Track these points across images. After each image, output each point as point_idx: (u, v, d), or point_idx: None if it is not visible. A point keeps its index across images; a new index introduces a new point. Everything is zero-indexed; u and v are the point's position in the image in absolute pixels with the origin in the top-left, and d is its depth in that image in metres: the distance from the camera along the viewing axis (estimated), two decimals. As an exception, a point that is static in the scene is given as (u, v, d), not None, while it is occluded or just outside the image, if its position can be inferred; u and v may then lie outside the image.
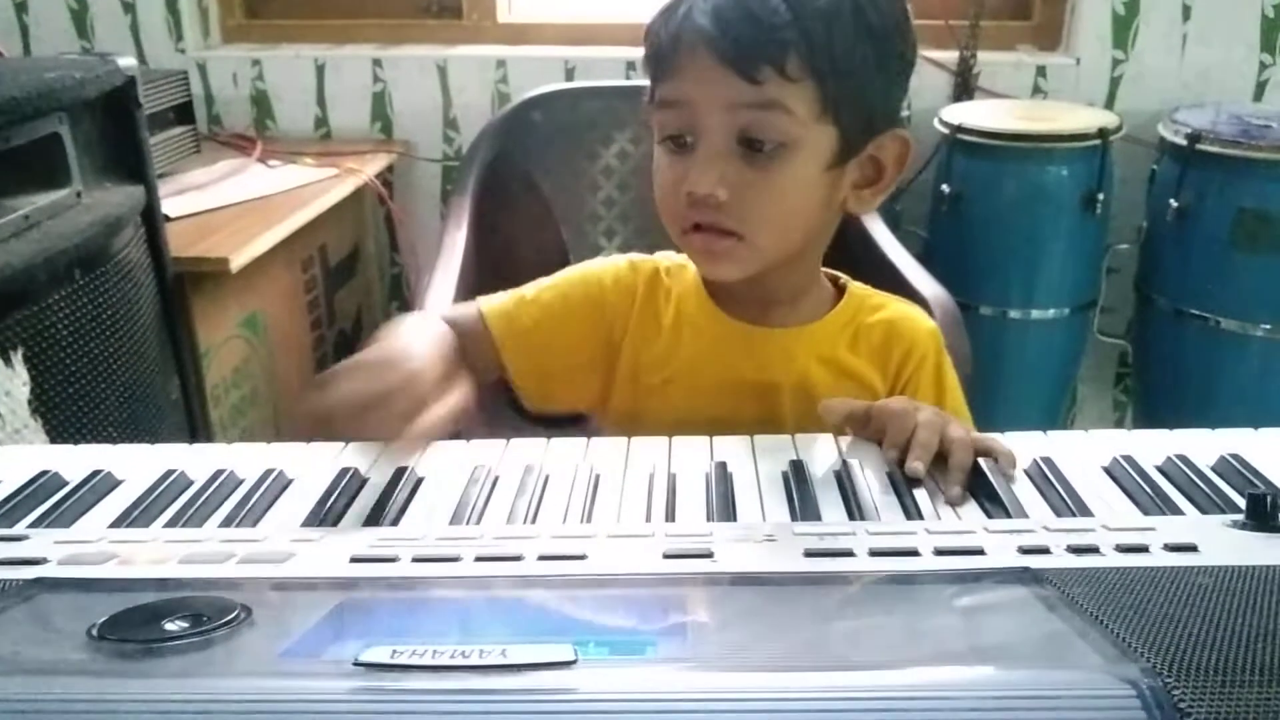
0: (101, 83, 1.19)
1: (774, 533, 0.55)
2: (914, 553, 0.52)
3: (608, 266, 0.89)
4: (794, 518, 0.62)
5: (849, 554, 0.51)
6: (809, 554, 0.51)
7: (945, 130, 1.79)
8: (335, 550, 0.54)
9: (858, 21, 0.75)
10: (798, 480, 0.66)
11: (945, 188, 1.77)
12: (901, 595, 0.48)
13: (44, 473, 0.69)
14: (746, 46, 0.73)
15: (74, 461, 0.72)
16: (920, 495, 0.64)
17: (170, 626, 0.42)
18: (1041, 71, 1.99)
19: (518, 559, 0.51)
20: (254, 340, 1.69)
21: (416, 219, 2.22)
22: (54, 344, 1.11)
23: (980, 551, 0.51)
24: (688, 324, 0.86)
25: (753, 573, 0.49)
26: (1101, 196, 1.71)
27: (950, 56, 1.99)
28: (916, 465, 0.66)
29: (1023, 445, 0.73)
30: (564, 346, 0.87)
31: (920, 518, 0.61)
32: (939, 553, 0.52)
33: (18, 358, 1.06)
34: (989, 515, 0.61)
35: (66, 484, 0.68)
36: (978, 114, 1.80)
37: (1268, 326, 1.69)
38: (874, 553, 0.51)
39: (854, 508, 0.62)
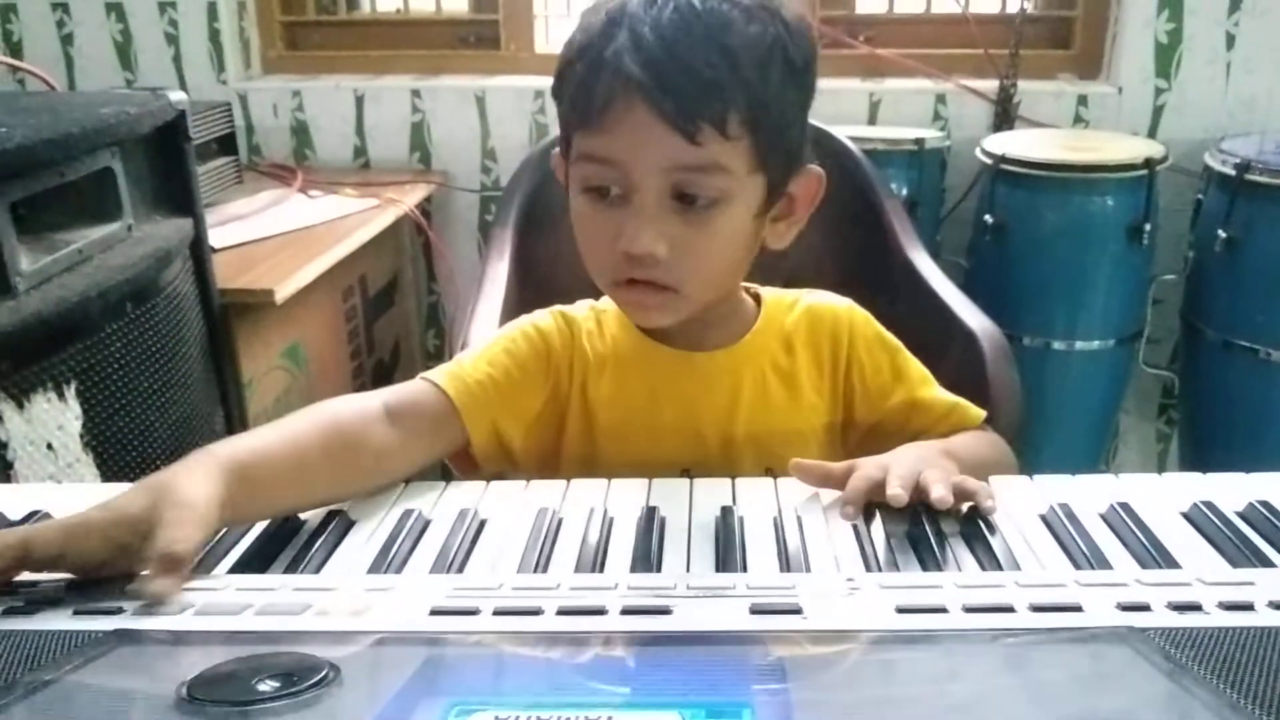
0: (155, 118, 1.20)
1: (858, 584, 0.53)
2: (1009, 609, 0.50)
3: (541, 320, 0.87)
4: (868, 568, 0.61)
5: (942, 610, 0.50)
6: (901, 610, 0.50)
7: (988, 160, 1.77)
8: (412, 601, 0.53)
9: (785, 66, 0.74)
10: (869, 525, 0.65)
11: (988, 218, 1.75)
12: (1006, 655, 0.47)
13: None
14: (687, 105, 0.70)
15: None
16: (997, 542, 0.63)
17: (262, 687, 0.41)
18: (1083, 100, 1.97)
19: (601, 613, 0.50)
20: (295, 371, 1.69)
21: (454, 249, 2.23)
22: (106, 377, 1.11)
23: (1077, 608, 0.50)
24: (630, 360, 0.85)
25: (847, 630, 0.48)
26: (1148, 227, 1.68)
27: (990, 86, 1.98)
28: (897, 492, 0.66)
29: (1095, 489, 0.71)
30: (518, 403, 0.84)
31: (1004, 568, 0.60)
32: (1035, 609, 0.50)
33: (70, 392, 1.06)
34: (1076, 566, 0.60)
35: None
36: (1021, 144, 1.79)
37: (1318, 359, 1.66)
38: (968, 609, 0.50)
39: (931, 558, 0.61)
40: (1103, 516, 0.68)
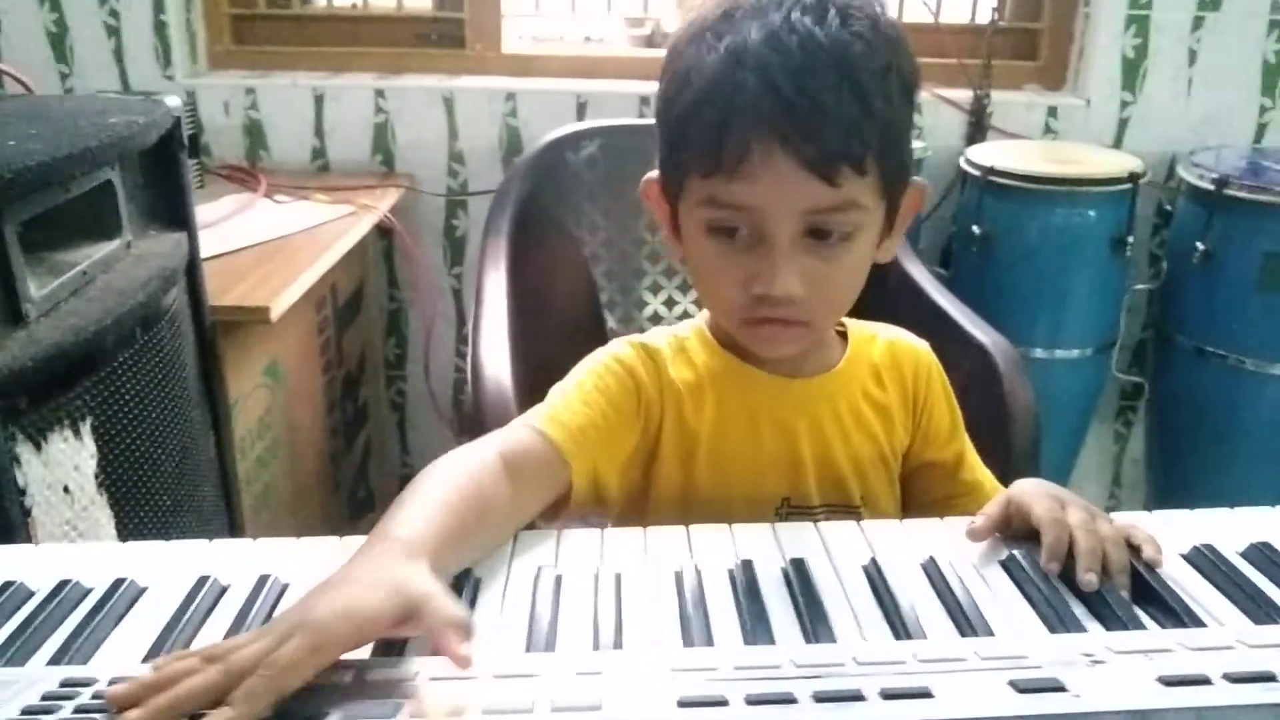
0: (159, 127, 1.11)
1: (1096, 655, 0.51)
2: (1204, 681, 0.49)
3: (622, 354, 0.83)
4: (1051, 628, 0.59)
5: (1206, 681, 0.48)
6: (1166, 682, 0.48)
7: (976, 172, 1.79)
8: (639, 685, 0.49)
9: (901, 89, 0.73)
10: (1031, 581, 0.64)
11: (975, 229, 1.77)
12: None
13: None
14: (827, 151, 0.69)
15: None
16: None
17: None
18: (1053, 112, 2.01)
19: (858, 698, 0.47)
20: (275, 388, 1.60)
21: (417, 254, 2.15)
22: (119, 411, 1.02)
23: (1272, 678, 0.49)
24: (728, 385, 0.83)
25: (1134, 710, 0.46)
26: (1130, 239, 1.73)
27: (964, 95, 2.01)
28: (1090, 578, 0.63)
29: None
30: (615, 444, 0.80)
31: (1189, 625, 0.59)
32: (1231, 679, 0.49)
33: (86, 429, 0.97)
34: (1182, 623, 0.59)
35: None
36: (1003, 155, 1.82)
37: (1287, 366, 1.73)
38: (1231, 679, 0.48)
39: (1111, 616, 0.60)
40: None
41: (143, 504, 1.07)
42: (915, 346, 0.91)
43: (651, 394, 0.82)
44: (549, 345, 1.56)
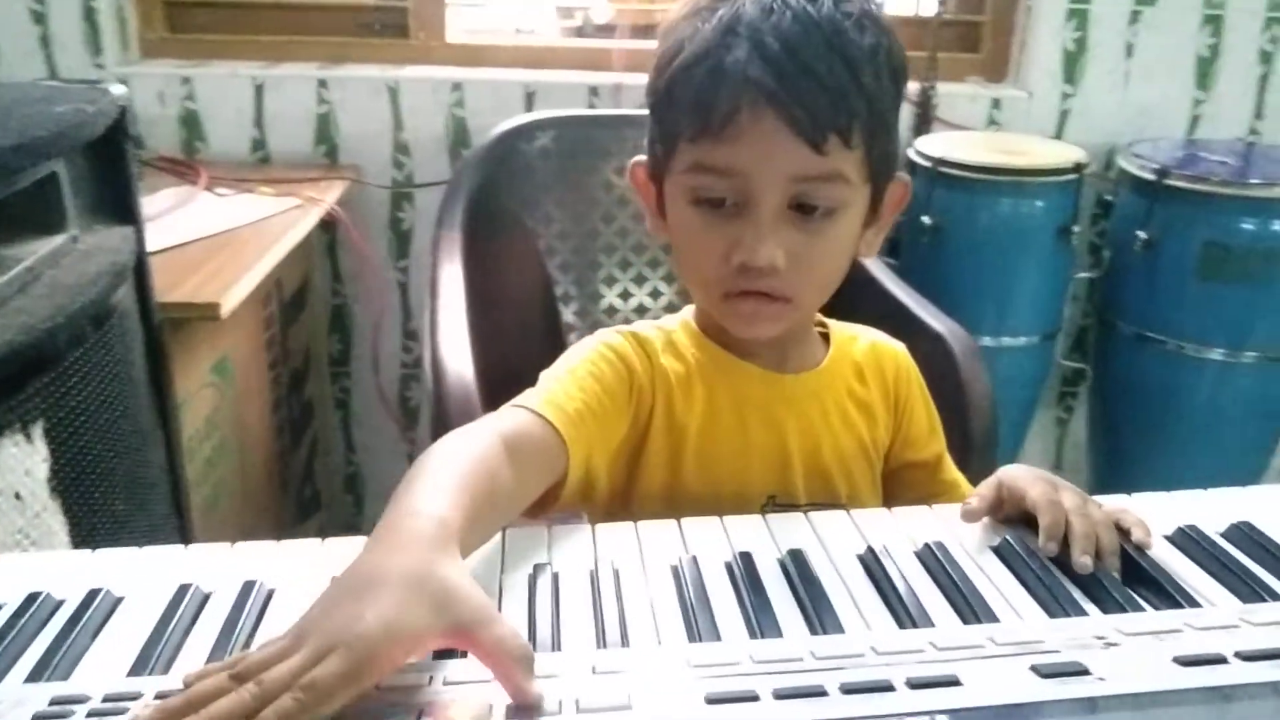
0: (106, 116, 1.06)
1: (1110, 637, 0.52)
2: (1220, 660, 0.49)
3: (613, 341, 0.82)
4: (1050, 613, 0.60)
5: (1221, 660, 0.49)
6: (1182, 662, 0.49)
7: (926, 163, 1.81)
8: (660, 685, 0.48)
9: (891, 73, 0.74)
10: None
11: (926, 219, 1.79)
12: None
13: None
14: (816, 115, 0.69)
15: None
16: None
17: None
18: (996, 104, 2.05)
19: (888, 689, 0.47)
20: (223, 386, 1.55)
21: (366, 248, 2.10)
22: (70, 413, 0.98)
23: None
24: (716, 378, 0.83)
25: (1158, 692, 0.46)
26: (1076, 228, 1.77)
27: (909, 88, 2.02)
28: (1086, 561, 0.64)
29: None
30: (608, 433, 0.79)
31: (1183, 606, 0.60)
32: (1244, 658, 0.49)
33: (38, 431, 0.93)
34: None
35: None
36: (951, 147, 1.84)
37: (1223, 350, 1.78)
38: (1243, 656, 0.49)
39: (1108, 598, 0.61)
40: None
41: (96, 510, 1.03)
42: (895, 349, 0.92)
43: (643, 382, 0.81)
44: (504, 340, 1.54)
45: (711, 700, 0.46)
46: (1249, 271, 1.71)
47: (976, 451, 1.33)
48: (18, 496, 0.90)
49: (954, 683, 0.47)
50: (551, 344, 1.73)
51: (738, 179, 0.71)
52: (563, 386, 0.76)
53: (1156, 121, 2.04)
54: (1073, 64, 2.02)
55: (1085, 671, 0.48)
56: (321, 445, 2.16)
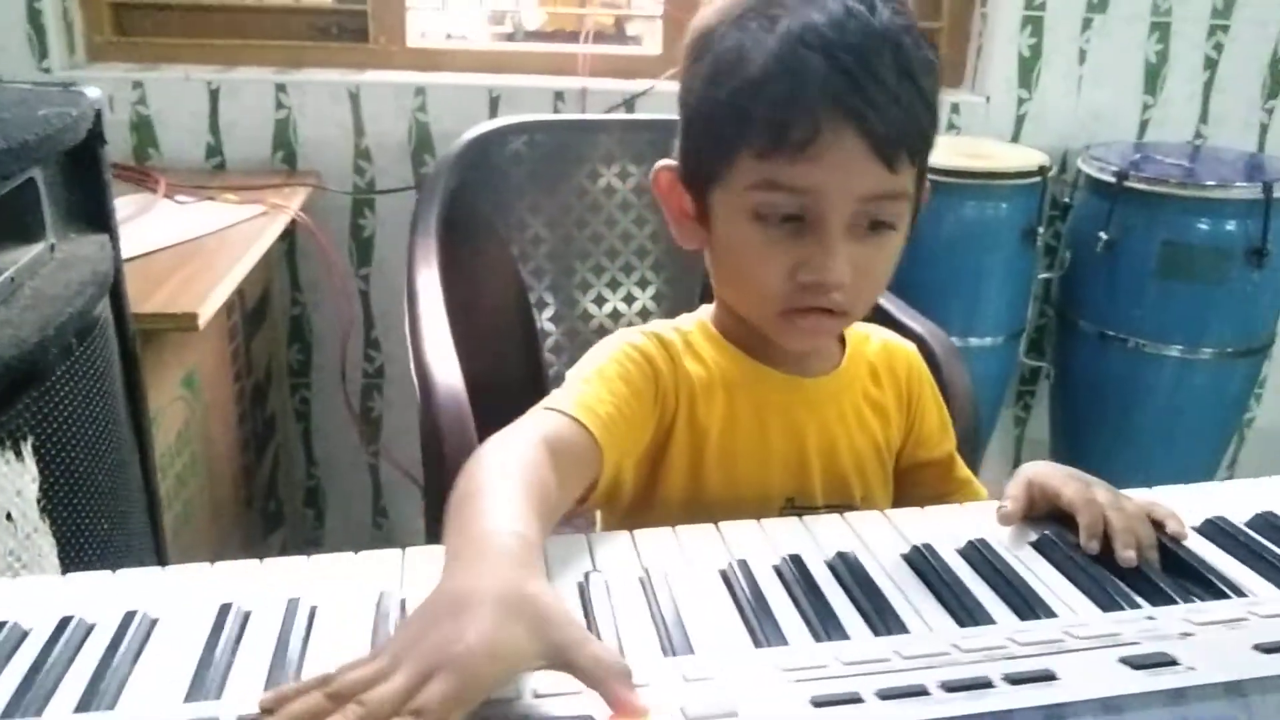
0: (86, 121, 1.02)
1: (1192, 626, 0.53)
2: None
3: (638, 342, 0.81)
4: (1103, 607, 0.61)
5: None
6: (1265, 650, 0.49)
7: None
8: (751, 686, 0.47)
9: (933, 85, 0.74)
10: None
11: (894, 222, 1.81)
12: None
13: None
14: (892, 134, 0.69)
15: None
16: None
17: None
18: (955, 108, 2.08)
19: (987, 685, 0.47)
20: (192, 400, 1.50)
21: (324, 256, 2.06)
22: (58, 429, 0.94)
23: None
24: (738, 383, 0.83)
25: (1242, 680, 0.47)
26: (1040, 230, 1.80)
27: (871, 92, 2.05)
28: (1130, 555, 0.66)
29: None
30: (636, 437, 0.78)
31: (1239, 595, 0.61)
32: None
33: (27, 449, 0.89)
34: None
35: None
36: (917, 150, 1.86)
37: (1180, 347, 1.84)
38: (1264, 649, 0.50)
39: (1155, 591, 0.62)
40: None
41: (83, 530, 0.98)
42: (906, 348, 0.93)
43: (668, 386, 0.80)
44: (481, 347, 1.52)
45: (818, 703, 0.45)
46: (1204, 270, 1.77)
47: (961, 449, 1.35)
48: (9, 518, 0.86)
49: (1050, 677, 0.47)
50: (527, 351, 1.71)
51: (809, 197, 0.70)
52: (594, 389, 0.75)
53: (1108, 126, 2.10)
54: (1028, 70, 2.07)
55: (1174, 662, 0.48)
56: (284, 459, 2.11)
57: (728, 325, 0.84)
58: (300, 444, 2.22)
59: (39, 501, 0.90)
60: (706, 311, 0.87)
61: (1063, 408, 2.07)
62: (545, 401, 0.74)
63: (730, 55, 0.71)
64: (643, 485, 0.82)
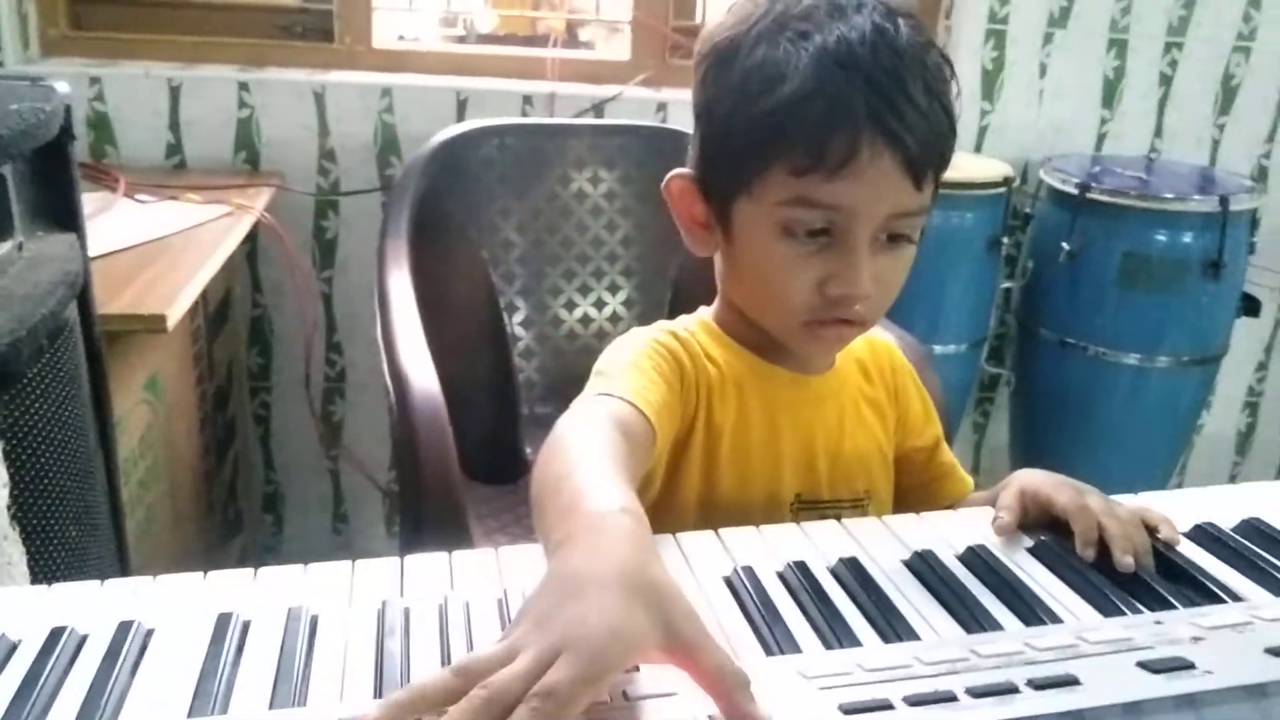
0: (58, 117, 1.00)
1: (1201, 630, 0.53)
2: None
3: (661, 337, 0.81)
4: (1104, 612, 0.61)
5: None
6: (1273, 652, 0.50)
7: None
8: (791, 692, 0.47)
9: (954, 98, 0.75)
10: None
11: (862, 230, 1.83)
12: None
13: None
14: (926, 153, 0.71)
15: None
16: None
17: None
18: (919, 119, 2.11)
19: (1013, 691, 0.47)
20: (155, 404, 1.47)
21: (297, 258, 2.02)
22: (29, 432, 0.91)
23: None
24: (749, 382, 0.83)
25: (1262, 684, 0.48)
26: (1005, 240, 1.83)
27: (837, 102, 2.07)
28: (1128, 560, 0.67)
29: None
30: (673, 428, 0.78)
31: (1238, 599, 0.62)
32: None
33: (-2, 454, 0.86)
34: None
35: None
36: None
37: (1138, 355, 1.88)
38: (1276, 652, 0.51)
39: (1152, 595, 0.63)
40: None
41: (52, 538, 0.96)
42: (886, 341, 0.95)
43: (692, 382, 0.80)
44: (450, 351, 1.50)
45: (847, 710, 0.45)
46: (1163, 281, 1.81)
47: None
48: (-21, 525, 0.83)
49: (1074, 682, 0.48)
50: (497, 354, 1.69)
51: (840, 213, 0.71)
52: (642, 378, 0.75)
53: (1066, 138, 2.14)
54: (991, 82, 2.10)
55: (1191, 666, 0.49)
56: (244, 464, 2.06)
57: (733, 325, 0.84)
58: (259, 448, 2.18)
59: (9, 508, 0.88)
60: (706, 312, 0.87)
61: (1022, 415, 2.10)
62: (596, 387, 0.73)
63: (763, 70, 0.71)
64: (663, 481, 0.82)
